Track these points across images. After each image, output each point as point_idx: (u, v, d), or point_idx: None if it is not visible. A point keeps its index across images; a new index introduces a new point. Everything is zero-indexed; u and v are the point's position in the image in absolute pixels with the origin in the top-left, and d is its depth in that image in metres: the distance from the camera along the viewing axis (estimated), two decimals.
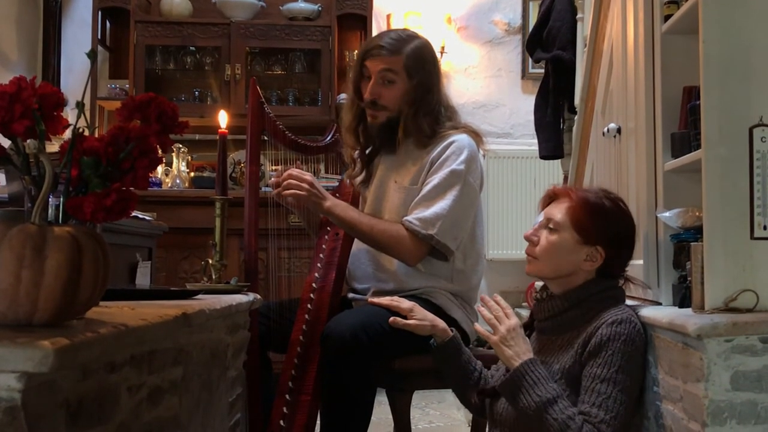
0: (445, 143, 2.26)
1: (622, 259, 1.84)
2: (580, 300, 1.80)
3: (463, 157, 2.23)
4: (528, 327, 1.95)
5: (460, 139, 2.26)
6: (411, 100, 2.26)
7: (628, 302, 1.86)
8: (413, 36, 2.36)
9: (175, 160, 4.34)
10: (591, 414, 1.65)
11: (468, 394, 2.02)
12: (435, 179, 2.23)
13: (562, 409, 1.65)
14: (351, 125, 2.35)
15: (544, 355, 1.82)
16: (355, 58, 2.39)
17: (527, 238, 1.87)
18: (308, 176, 2.21)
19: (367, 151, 2.39)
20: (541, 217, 1.88)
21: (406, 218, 2.22)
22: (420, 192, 2.25)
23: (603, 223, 1.80)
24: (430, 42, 2.39)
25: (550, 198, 1.90)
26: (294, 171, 2.22)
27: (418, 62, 2.27)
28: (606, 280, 1.83)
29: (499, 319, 1.81)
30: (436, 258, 2.25)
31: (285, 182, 2.20)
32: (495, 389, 1.86)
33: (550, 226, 1.83)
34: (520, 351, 1.76)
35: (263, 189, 2.50)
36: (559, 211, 1.83)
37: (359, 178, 2.43)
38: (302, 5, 4.57)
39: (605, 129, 2.31)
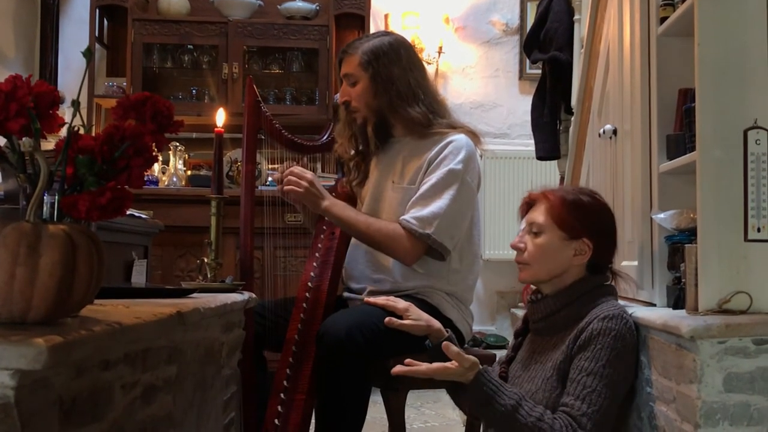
0: (444, 143, 2.26)
1: (608, 249, 1.85)
2: (573, 298, 1.81)
3: (461, 156, 2.23)
4: (521, 333, 1.96)
5: (459, 139, 2.27)
6: (373, 94, 2.29)
7: (622, 303, 1.87)
8: (381, 34, 2.42)
9: (172, 158, 4.34)
10: (574, 406, 1.65)
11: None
12: (433, 178, 2.23)
13: (528, 412, 1.66)
14: (344, 132, 2.38)
15: (539, 355, 1.82)
16: None
17: (514, 247, 1.88)
18: (309, 174, 2.22)
19: (361, 149, 2.40)
20: (523, 225, 1.89)
21: (403, 217, 2.22)
22: (417, 191, 2.25)
23: (584, 215, 1.82)
24: (402, 38, 2.41)
25: (528, 205, 1.91)
26: (296, 168, 2.23)
27: (372, 55, 2.29)
28: (596, 277, 1.84)
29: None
30: (432, 257, 2.25)
31: (285, 178, 2.21)
32: None
33: (534, 230, 1.85)
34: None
35: (260, 188, 2.50)
36: (539, 214, 1.85)
37: (355, 180, 2.43)
38: (300, 4, 4.56)
39: (601, 130, 2.31)
